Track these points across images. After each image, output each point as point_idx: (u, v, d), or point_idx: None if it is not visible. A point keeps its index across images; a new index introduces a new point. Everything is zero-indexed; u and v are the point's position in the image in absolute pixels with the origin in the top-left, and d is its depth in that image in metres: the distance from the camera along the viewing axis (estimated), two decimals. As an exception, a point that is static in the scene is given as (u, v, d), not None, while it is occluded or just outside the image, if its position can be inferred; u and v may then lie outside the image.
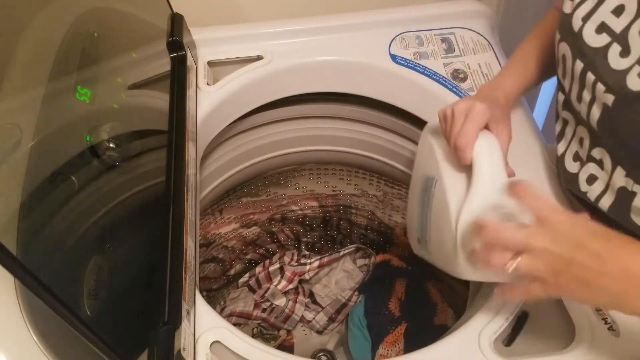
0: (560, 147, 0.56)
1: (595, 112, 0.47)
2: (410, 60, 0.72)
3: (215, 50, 0.74)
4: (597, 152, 0.50)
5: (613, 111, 0.45)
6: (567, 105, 0.54)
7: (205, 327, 0.50)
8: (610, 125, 0.46)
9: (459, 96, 0.68)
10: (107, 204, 0.45)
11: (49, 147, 0.41)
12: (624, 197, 0.47)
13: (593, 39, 0.47)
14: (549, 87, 1.17)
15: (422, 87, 0.70)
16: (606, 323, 0.49)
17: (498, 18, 0.79)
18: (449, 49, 0.74)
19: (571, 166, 0.54)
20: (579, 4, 0.49)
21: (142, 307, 0.46)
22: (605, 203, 0.49)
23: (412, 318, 0.94)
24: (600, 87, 0.46)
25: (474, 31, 0.76)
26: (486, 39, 0.75)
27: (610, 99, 0.45)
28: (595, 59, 0.47)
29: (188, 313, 0.48)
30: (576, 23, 0.49)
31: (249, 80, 0.71)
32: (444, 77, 0.70)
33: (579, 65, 0.49)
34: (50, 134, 0.42)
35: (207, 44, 0.74)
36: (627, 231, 0.47)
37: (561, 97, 0.55)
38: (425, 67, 0.71)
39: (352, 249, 1.06)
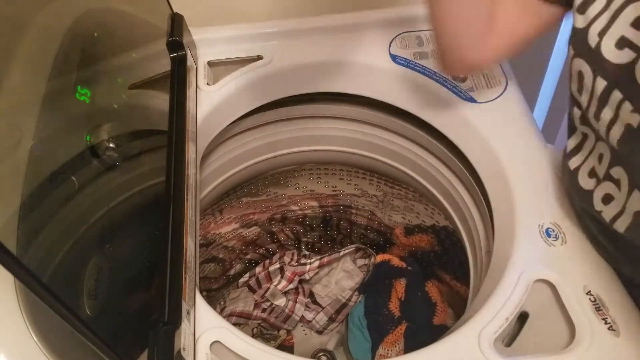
0: (575, 161, 0.54)
1: (616, 131, 0.45)
2: (410, 60, 0.72)
3: (215, 50, 0.74)
4: (616, 172, 0.48)
5: (639, 132, 0.42)
6: (585, 120, 0.52)
7: (205, 327, 0.50)
8: (633, 147, 0.44)
9: (459, 96, 0.68)
10: (107, 204, 0.45)
11: (49, 147, 0.41)
12: (634, 231, 0.45)
13: (615, 55, 0.44)
14: (548, 87, 1.17)
15: (422, 87, 0.70)
16: (606, 323, 0.49)
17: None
18: (449, 49, 0.74)
19: (586, 183, 0.52)
20: (594, 19, 0.46)
21: (142, 307, 0.46)
22: (621, 226, 0.47)
23: (412, 318, 0.94)
24: (627, 106, 0.43)
25: (474, 31, 0.76)
26: (486, 39, 0.75)
27: (637, 119, 0.42)
28: (621, 76, 0.44)
29: (188, 313, 0.48)
30: (592, 39, 0.46)
31: (249, 80, 0.71)
32: (444, 77, 0.70)
33: (601, 83, 0.46)
34: (50, 134, 0.42)
35: (207, 44, 0.74)
36: None
37: (577, 112, 0.53)
38: (425, 67, 0.71)
39: (352, 249, 1.06)
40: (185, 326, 0.46)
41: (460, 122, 0.67)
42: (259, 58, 0.73)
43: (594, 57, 0.46)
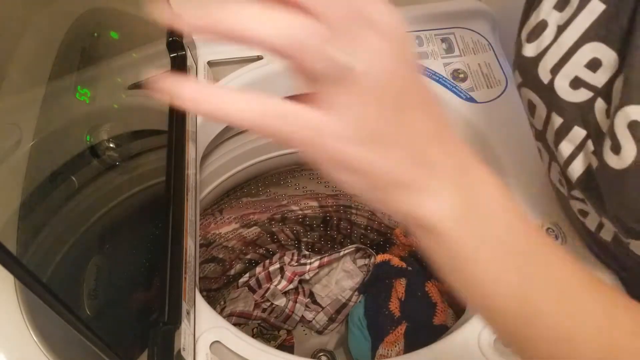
0: (546, 170, 0.52)
1: (577, 168, 0.42)
2: (410, 60, 0.72)
3: (215, 50, 0.74)
4: (577, 193, 0.45)
5: (597, 173, 0.40)
6: (540, 138, 0.49)
7: (205, 327, 0.50)
8: (592, 186, 0.41)
9: (459, 96, 0.68)
10: (107, 204, 0.45)
11: (49, 147, 0.41)
12: (620, 241, 0.43)
13: (570, 94, 0.41)
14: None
15: (422, 87, 0.70)
16: (606, 323, 0.49)
17: (498, 18, 0.79)
18: (449, 49, 0.74)
19: (562, 190, 0.49)
20: (545, 51, 0.43)
21: (142, 307, 0.46)
22: (607, 236, 0.45)
23: (412, 318, 0.94)
24: (589, 146, 0.40)
25: (474, 31, 0.76)
26: (486, 39, 0.75)
27: (595, 161, 0.40)
28: (581, 114, 0.41)
29: (188, 313, 0.48)
30: (544, 75, 0.43)
31: (249, 80, 0.71)
32: (444, 77, 0.70)
33: (557, 120, 0.43)
34: (50, 134, 0.42)
35: (207, 44, 0.74)
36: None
37: (532, 128, 0.50)
38: (426, 67, 0.71)
39: (352, 249, 1.06)
40: (185, 326, 0.46)
41: (460, 122, 0.67)
42: (259, 58, 0.73)
43: (546, 93, 0.43)
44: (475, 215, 0.25)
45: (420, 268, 0.99)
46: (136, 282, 0.47)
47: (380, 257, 1.02)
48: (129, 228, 0.49)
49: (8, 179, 0.38)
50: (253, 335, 1.00)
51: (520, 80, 0.47)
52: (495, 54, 0.73)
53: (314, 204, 1.03)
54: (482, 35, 0.75)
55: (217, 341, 0.49)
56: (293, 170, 0.94)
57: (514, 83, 0.50)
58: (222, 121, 0.23)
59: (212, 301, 1.03)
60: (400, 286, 0.98)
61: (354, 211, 1.04)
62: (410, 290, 0.98)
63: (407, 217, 0.25)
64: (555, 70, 0.42)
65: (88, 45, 0.49)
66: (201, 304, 0.52)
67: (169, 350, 0.42)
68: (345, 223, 1.08)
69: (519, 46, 0.46)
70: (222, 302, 1.05)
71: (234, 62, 0.73)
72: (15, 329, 0.45)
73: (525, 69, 0.45)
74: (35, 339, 0.45)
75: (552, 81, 0.42)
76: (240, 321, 1.02)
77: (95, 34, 0.51)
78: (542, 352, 0.27)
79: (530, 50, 0.45)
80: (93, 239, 0.42)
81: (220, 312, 1.00)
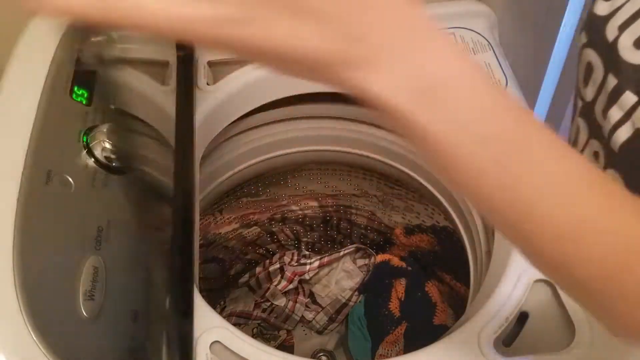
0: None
1: (622, 134, 0.41)
2: (410, 60, 0.72)
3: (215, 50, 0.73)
4: (610, 174, 0.44)
5: None
6: (586, 113, 0.48)
7: (205, 327, 0.50)
8: (635, 150, 0.40)
9: (459, 96, 0.68)
10: (104, 205, 0.45)
11: (46, 148, 0.41)
12: None
13: (631, 54, 0.40)
14: (549, 88, 1.17)
15: (422, 87, 0.70)
16: (606, 323, 0.49)
17: (498, 18, 0.79)
18: (449, 49, 0.73)
19: None
20: (617, 10, 0.42)
21: (141, 307, 0.46)
22: None
23: (412, 318, 0.94)
24: (638, 113, 0.39)
25: (474, 31, 0.76)
26: (486, 39, 0.75)
27: None
28: (636, 77, 0.40)
29: (188, 313, 0.48)
30: (611, 32, 0.42)
31: (249, 80, 0.71)
32: (443, 77, 0.70)
33: (612, 81, 0.42)
34: (47, 135, 0.42)
35: (207, 44, 0.73)
36: None
37: (579, 102, 0.49)
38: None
39: (352, 249, 1.06)
40: (185, 326, 0.46)
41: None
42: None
43: (608, 51, 0.42)
44: (432, 94, 0.24)
45: (420, 268, 0.99)
46: (135, 282, 0.47)
47: (380, 257, 1.03)
48: (129, 228, 0.49)
49: (5, 180, 0.38)
50: (253, 335, 1.00)
51: (585, 40, 0.46)
52: (495, 54, 0.73)
53: (314, 204, 1.03)
54: (482, 35, 0.75)
55: (217, 341, 0.49)
56: (293, 170, 0.94)
57: (577, 46, 0.48)
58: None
59: (212, 301, 1.03)
60: (400, 286, 0.99)
61: (354, 211, 1.04)
62: (410, 290, 0.98)
63: (362, 94, 0.24)
64: (623, 27, 0.41)
65: (86, 45, 0.50)
66: (201, 304, 0.52)
67: (170, 350, 0.42)
68: (345, 223, 1.08)
69: (592, 4, 0.45)
70: (222, 302, 1.05)
71: (234, 62, 0.73)
72: (15, 329, 0.45)
73: (594, 27, 0.44)
74: (35, 339, 0.45)
75: (617, 38, 0.41)
76: (240, 321, 1.02)
77: (94, 34, 0.51)
78: (546, 254, 0.26)
79: (603, 8, 0.44)
80: (92, 239, 0.42)
81: (220, 312, 1.00)
